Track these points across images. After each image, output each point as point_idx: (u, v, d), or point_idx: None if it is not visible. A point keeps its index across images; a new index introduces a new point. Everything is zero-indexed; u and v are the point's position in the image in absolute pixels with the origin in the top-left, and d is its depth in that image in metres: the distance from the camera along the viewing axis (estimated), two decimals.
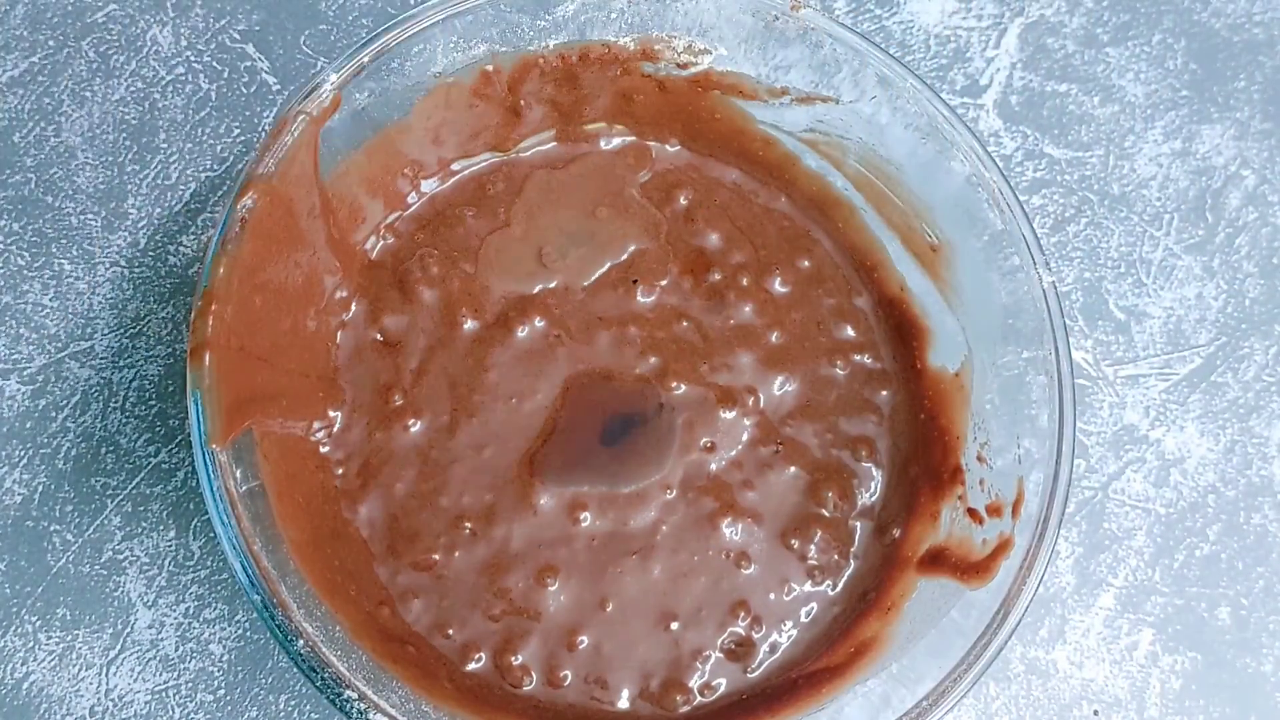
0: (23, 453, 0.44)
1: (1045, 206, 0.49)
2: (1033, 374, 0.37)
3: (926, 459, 0.41)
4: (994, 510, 0.38)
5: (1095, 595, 0.45)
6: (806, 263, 0.44)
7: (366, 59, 0.39)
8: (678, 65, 0.43)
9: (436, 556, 0.39)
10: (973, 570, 0.37)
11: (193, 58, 0.49)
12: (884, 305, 0.44)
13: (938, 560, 0.39)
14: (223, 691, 0.42)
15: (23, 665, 0.42)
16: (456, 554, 0.39)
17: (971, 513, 0.39)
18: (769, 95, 0.43)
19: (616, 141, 0.46)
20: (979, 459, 0.39)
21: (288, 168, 0.37)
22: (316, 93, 0.38)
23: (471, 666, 0.38)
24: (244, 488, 0.34)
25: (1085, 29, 0.52)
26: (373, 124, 0.40)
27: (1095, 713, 0.44)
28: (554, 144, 0.45)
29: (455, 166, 0.45)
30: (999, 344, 0.39)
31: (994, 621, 0.34)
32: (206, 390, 0.34)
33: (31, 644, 0.42)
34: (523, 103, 0.44)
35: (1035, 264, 0.37)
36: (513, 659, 0.39)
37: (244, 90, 0.49)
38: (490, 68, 0.42)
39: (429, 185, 0.44)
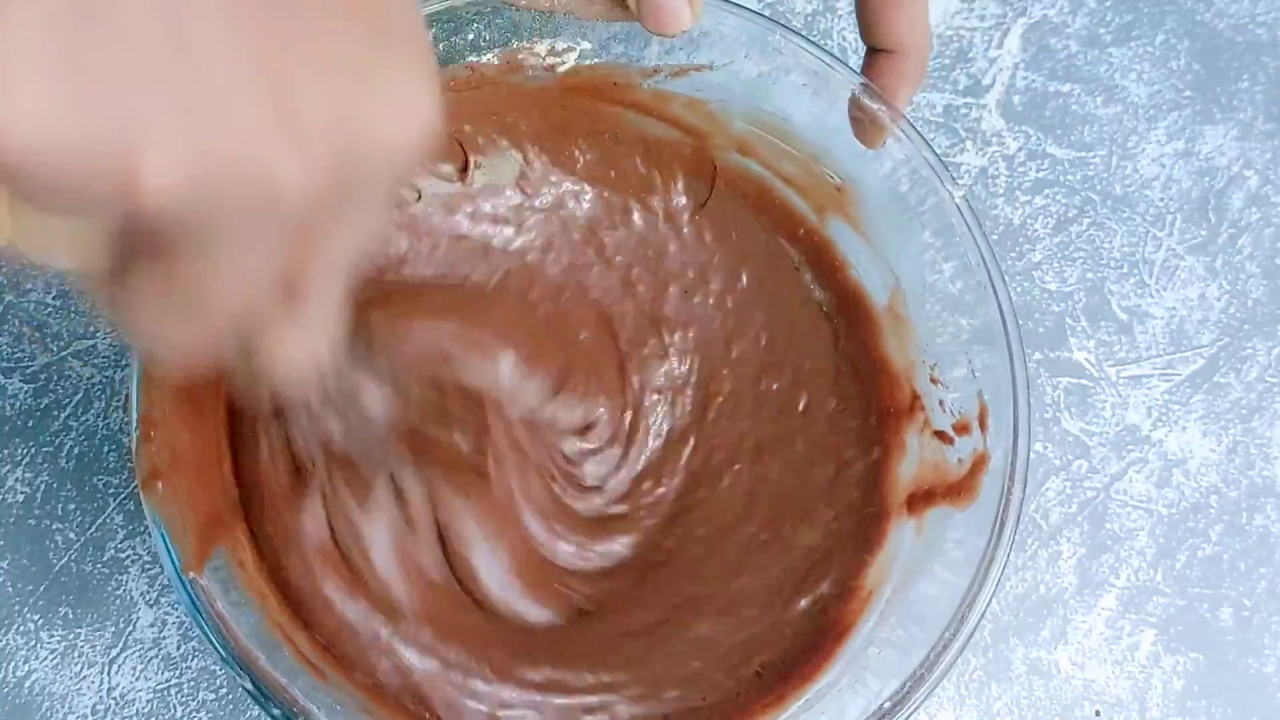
0: (25, 451, 0.44)
1: (1048, 207, 0.49)
2: (963, 283, 0.37)
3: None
4: (962, 428, 0.38)
5: (1097, 596, 0.45)
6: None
7: None
8: (544, 68, 0.40)
9: None
10: (956, 490, 0.37)
11: None
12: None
13: (921, 497, 0.39)
14: (224, 690, 0.42)
15: (25, 663, 0.42)
16: None
17: (940, 435, 0.39)
18: (641, 77, 0.41)
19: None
20: (932, 380, 0.39)
21: None
22: None
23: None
24: (232, 603, 0.32)
25: (1088, 29, 0.52)
26: None
27: (1097, 713, 0.44)
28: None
29: None
30: (925, 266, 0.38)
31: (990, 544, 0.34)
32: (169, 520, 0.32)
33: (33, 642, 0.42)
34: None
35: (941, 181, 0.37)
36: None
37: None
38: None
39: None
